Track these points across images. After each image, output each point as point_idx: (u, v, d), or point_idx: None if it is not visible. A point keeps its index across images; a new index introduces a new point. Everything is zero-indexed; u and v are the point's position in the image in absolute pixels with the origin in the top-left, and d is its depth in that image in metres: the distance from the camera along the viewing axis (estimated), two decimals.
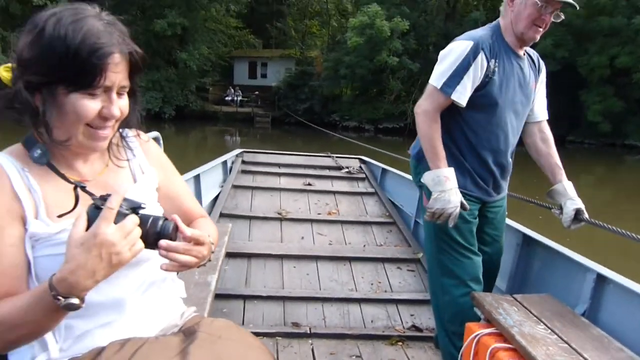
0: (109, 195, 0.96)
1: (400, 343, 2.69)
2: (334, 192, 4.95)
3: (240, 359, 1.10)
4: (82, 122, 1.02)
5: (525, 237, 2.66)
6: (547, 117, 2.37)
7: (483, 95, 2.08)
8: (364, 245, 3.87)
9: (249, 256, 3.50)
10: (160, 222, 1.01)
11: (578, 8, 2.09)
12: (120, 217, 0.96)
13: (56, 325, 1.00)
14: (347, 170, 5.57)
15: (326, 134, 13.39)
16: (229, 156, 5.36)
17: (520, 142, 2.35)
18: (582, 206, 2.17)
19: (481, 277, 2.18)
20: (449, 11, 30.76)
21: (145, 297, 1.17)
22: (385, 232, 4.15)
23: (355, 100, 31.10)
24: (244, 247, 3.61)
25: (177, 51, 28.69)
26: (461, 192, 2.12)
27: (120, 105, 1.06)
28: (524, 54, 2.20)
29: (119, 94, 1.05)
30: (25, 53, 0.99)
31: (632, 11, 22.54)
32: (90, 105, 1.01)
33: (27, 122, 1.03)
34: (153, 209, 1.21)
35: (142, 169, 1.25)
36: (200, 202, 1.55)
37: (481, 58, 2.03)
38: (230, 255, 3.39)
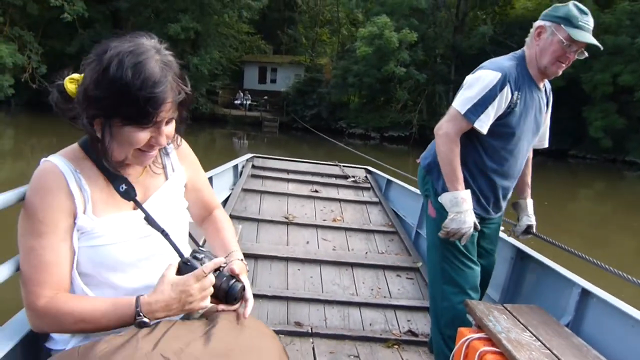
0: (197, 252, 1.25)
1: (396, 346, 2.77)
2: (339, 200, 5.03)
3: (256, 344, 1.24)
4: (134, 148, 1.18)
5: (519, 251, 2.76)
6: (545, 146, 2.50)
7: (503, 125, 2.15)
8: (366, 252, 3.94)
9: (256, 257, 3.57)
10: (231, 282, 1.27)
11: (602, 48, 2.09)
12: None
13: (108, 331, 1.17)
14: (353, 179, 5.65)
15: (332, 141, 13.53)
16: (239, 160, 5.45)
17: None
18: (534, 223, 2.52)
19: (479, 286, 2.28)
20: (457, 24, 30.78)
21: None
22: (387, 241, 4.22)
23: (363, 108, 31.16)
24: (251, 248, 3.68)
25: (189, 55, 28.85)
26: None
27: (167, 132, 1.21)
28: (543, 86, 2.28)
29: (167, 123, 1.20)
30: (89, 90, 1.12)
31: (636, 31, 22.59)
32: (142, 136, 1.16)
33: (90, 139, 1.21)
34: (179, 202, 1.40)
35: (174, 167, 1.41)
36: None
37: (507, 90, 2.09)
38: None
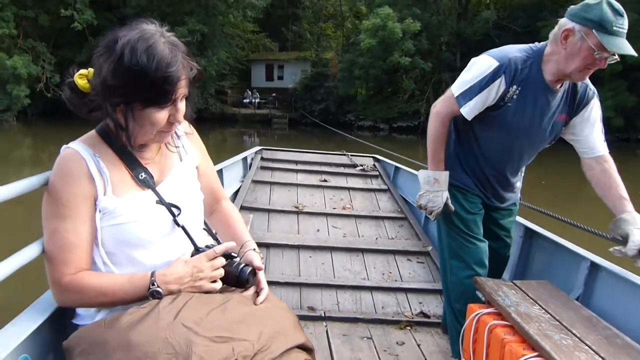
0: (209, 245, 1.34)
1: (408, 327, 2.79)
2: (348, 188, 5.03)
3: (271, 313, 1.31)
4: (156, 129, 1.24)
5: (528, 229, 2.74)
6: (606, 152, 2.15)
7: (495, 117, 2.06)
8: (376, 238, 3.94)
9: (268, 246, 3.59)
10: (241, 267, 1.33)
11: (637, 55, 1.86)
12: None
13: (126, 305, 1.22)
14: (361, 167, 5.65)
15: (341, 134, 13.51)
16: (248, 153, 5.47)
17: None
18: None
19: (486, 261, 2.25)
20: (460, 10, 30.46)
21: None
22: (396, 227, 4.22)
23: (370, 100, 31.03)
24: (263, 237, 3.69)
25: (196, 57, 28.87)
26: (463, 187, 2.24)
27: (182, 109, 1.26)
28: (560, 86, 2.04)
29: (180, 100, 1.25)
30: (108, 80, 1.17)
31: None
32: (162, 116, 1.23)
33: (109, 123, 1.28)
34: (193, 183, 1.46)
35: (186, 149, 1.47)
36: None
37: (500, 82, 1.96)
38: None
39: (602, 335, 1.66)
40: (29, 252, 1.30)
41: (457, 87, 2.07)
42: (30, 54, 27.97)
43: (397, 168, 5.36)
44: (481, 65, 2.01)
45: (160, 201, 1.29)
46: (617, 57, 1.87)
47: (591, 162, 2.13)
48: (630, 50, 1.81)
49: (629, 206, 2.01)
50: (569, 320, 1.74)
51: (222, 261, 1.30)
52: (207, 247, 1.32)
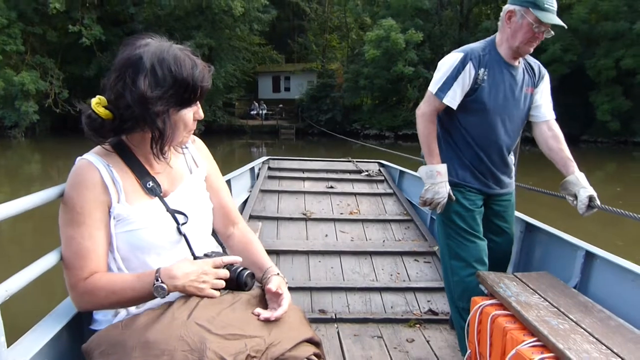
0: (208, 254, 1.35)
1: (418, 325, 2.83)
2: (354, 194, 5.08)
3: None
4: (187, 128, 1.34)
5: (528, 224, 2.80)
6: (554, 117, 2.44)
7: (474, 100, 2.26)
8: (384, 241, 3.99)
9: (278, 253, 3.63)
10: (239, 270, 1.34)
11: (566, 27, 2.23)
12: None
13: (136, 304, 1.27)
14: (366, 173, 5.70)
15: (348, 142, 13.61)
16: (256, 163, 5.54)
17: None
18: (594, 193, 2.18)
19: (486, 259, 2.32)
20: (462, 21, 30.72)
21: None
22: (403, 229, 4.27)
23: (375, 109, 31.20)
24: (272, 244, 3.74)
25: None
26: (462, 184, 2.33)
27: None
28: (519, 63, 2.33)
29: None
30: (148, 93, 1.23)
31: (635, 16, 22.73)
32: (191, 114, 1.34)
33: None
34: (203, 194, 1.49)
35: (196, 161, 1.52)
36: None
37: (469, 67, 2.22)
38: None
39: (597, 319, 1.73)
40: (47, 261, 1.34)
41: (433, 85, 2.29)
42: (39, 70, 28.06)
43: (402, 172, 5.40)
44: (449, 60, 2.27)
45: (167, 209, 1.33)
46: (552, 32, 2.21)
47: (543, 127, 2.40)
48: (559, 21, 2.15)
49: (574, 167, 2.30)
50: (566, 307, 1.81)
51: (226, 273, 1.30)
52: (206, 255, 1.34)
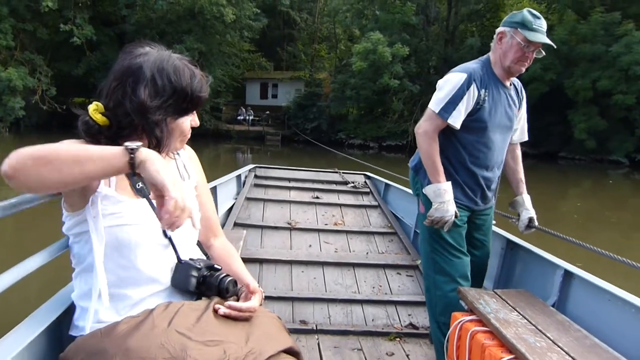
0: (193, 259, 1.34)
1: (398, 339, 2.83)
2: (340, 205, 5.07)
3: (257, 320, 1.36)
4: (183, 136, 1.35)
5: (509, 241, 2.82)
6: (526, 139, 2.60)
7: (474, 120, 2.30)
8: (367, 253, 3.98)
9: (261, 261, 3.61)
10: (221, 277, 1.34)
11: (555, 47, 2.29)
12: (193, 270, 1.33)
13: (97, 176, 1.13)
14: (352, 185, 5.69)
15: (332, 151, 13.64)
16: (242, 170, 5.49)
17: None
18: (534, 215, 2.52)
19: (469, 275, 2.36)
20: (448, 37, 31.15)
21: None
22: (387, 242, 4.26)
23: (361, 120, 31.35)
24: (256, 253, 3.72)
25: None
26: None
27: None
28: (510, 84, 2.41)
29: None
30: (148, 102, 1.23)
31: (611, 40, 23.31)
32: (187, 123, 1.34)
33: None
34: (193, 202, 1.46)
35: (187, 169, 1.51)
36: (217, 212, 1.77)
37: (473, 88, 2.25)
38: (243, 260, 3.53)
39: (574, 337, 1.77)
40: (29, 265, 1.32)
41: (436, 104, 2.29)
42: (27, 66, 27.70)
43: (387, 185, 5.40)
44: (452, 80, 2.29)
45: (153, 211, 1.27)
46: (543, 52, 2.29)
47: (512, 149, 2.59)
48: (547, 40, 2.20)
49: (524, 189, 2.58)
50: (543, 325, 1.85)
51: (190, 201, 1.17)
52: (191, 259, 1.33)
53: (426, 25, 31.24)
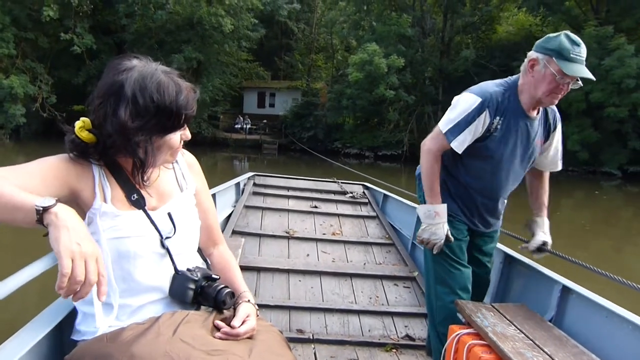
0: (191, 269, 1.34)
1: (394, 350, 2.79)
2: (338, 215, 5.03)
3: (260, 334, 1.36)
4: (172, 150, 1.32)
5: (507, 256, 2.79)
6: (558, 169, 2.43)
7: (482, 147, 2.16)
8: (365, 264, 3.94)
9: (259, 270, 3.56)
10: (219, 288, 1.33)
11: (595, 80, 2.03)
12: (190, 282, 1.32)
13: (15, 224, 1.12)
14: (351, 195, 5.64)
15: (328, 160, 13.68)
16: (241, 178, 5.45)
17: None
18: (549, 240, 2.36)
19: (470, 287, 2.33)
20: (443, 49, 31.33)
21: None
22: (384, 252, 4.22)
23: (357, 129, 31.49)
24: (254, 261, 3.68)
25: (191, 84, 29.01)
26: (451, 214, 2.29)
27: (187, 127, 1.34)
28: (537, 114, 2.19)
29: None
30: (129, 123, 1.19)
31: (604, 53, 23.46)
32: (177, 138, 1.31)
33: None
34: (192, 211, 1.46)
35: (185, 177, 1.49)
36: None
37: (485, 115, 2.08)
38: (241, 268, 3.50)
39: (571, 353, 1.76)
40: (33, 270, 1.32)
41: (445, 124, 2.16)
42: (28, 74, 27.81)
43: (385, 196, 5.36)
44: (465, 102, 2.12)
45: (151, 222, 1.29)
46: (580, 82, 2.03)
47: (540, 173, 2.45)
48: (587, 74, 1.95)
49: (544, 212, 2.43)
50: (541, 340, 1.85)
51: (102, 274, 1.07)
52: (189, 270, 1.32)
53: (422, 37, 31.46)
